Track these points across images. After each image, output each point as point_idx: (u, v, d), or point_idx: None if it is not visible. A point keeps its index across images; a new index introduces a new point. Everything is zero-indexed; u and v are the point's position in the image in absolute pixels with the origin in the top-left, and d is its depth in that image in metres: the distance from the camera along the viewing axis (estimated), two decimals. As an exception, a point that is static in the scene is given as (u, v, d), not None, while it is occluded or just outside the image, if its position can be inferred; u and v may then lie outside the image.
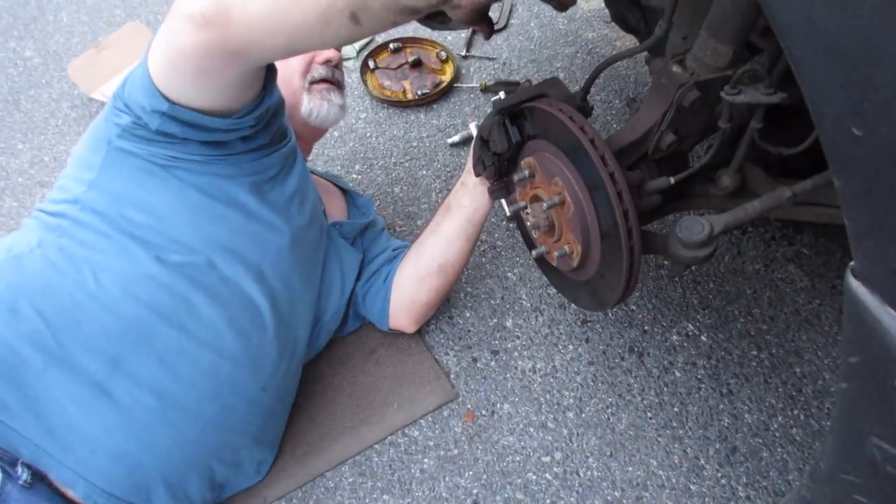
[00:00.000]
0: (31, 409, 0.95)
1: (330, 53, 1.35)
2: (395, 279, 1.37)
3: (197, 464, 1.08)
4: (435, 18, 0.84)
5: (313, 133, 1.43)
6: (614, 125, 1.89)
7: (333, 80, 1.36)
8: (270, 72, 1.02)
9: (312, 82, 1.33)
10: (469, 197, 1.29)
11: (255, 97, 1.01)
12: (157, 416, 1.01)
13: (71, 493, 0.98)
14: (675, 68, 0.94)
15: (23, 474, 0.94)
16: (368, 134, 1.93)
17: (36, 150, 1.95)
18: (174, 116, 0.96)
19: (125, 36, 2.12)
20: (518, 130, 1.08)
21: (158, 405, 1.01)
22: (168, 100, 0.94)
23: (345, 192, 1.54)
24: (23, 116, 2.05)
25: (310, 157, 1.63)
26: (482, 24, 0.85)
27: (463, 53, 2.12)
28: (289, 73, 1.30)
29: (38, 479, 0.97)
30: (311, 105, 1.32)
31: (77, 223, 1.04)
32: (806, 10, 0.46)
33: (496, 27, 2.19)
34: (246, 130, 1.05)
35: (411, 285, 1.36)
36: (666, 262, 1.56)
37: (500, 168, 1.15)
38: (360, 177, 1.82)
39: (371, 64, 2.04)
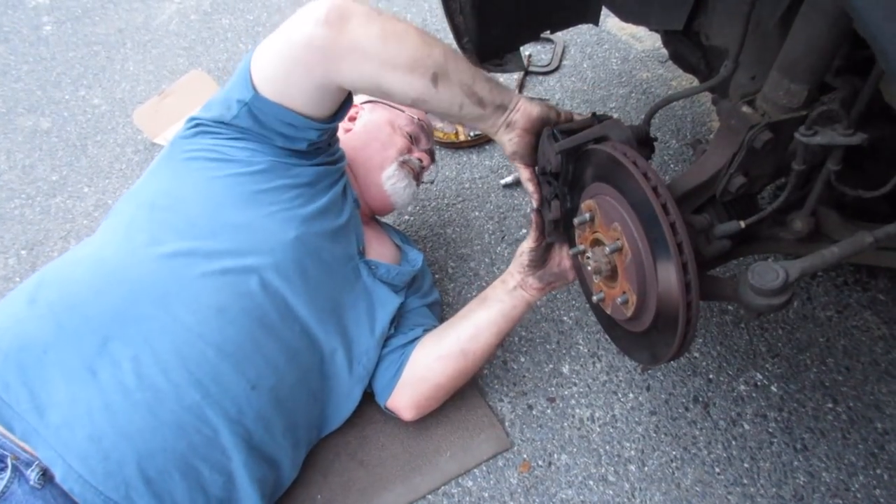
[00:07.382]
0: (27, 386, 0.98)
1: (426, 155, 1.51)
2: (413, 353, 1.31)
3: (177, 459, 1.03)
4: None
5: (378, 200, 1.46)
6: (672, 165, 1.84)
7: (418, 174, 1.51)
8: (345, 104, 1.16)
9: (405, 162, 1.46)
10: (509, 295, 1.29)
11: (325, 117, 1.14)
12: (135, 397, 1.00)
13: (52, 474, 0.97)
14: (745, 109, 0.91)
15: (32, 475, 0.95)
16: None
17: (100, 194, 2.02)
18: (253, 108, 1.10)
19: (188, 84, 2.20)
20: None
21: (137, 386, 1.00)
22: (255, 90, 1.08)
23: (398, 247, 1.51)
24: (89, 161, 2.14)
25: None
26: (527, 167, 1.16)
27: (515, 95, 2.12)
28: (391, 142, 1.46)
29: (50, 481, 0.97)
30: (394, 173, 1.44)
31: (118, 212, 1.19)
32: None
33: (548, 69, 2.19)
34: (302, 143, 1.16)
35: (427, 362, 1.30)
36: (730, 307, 1.50)
37: (562, 197, 1.13)
38: (412, 218, 1.82)
39: (424, 107, 2.06)
